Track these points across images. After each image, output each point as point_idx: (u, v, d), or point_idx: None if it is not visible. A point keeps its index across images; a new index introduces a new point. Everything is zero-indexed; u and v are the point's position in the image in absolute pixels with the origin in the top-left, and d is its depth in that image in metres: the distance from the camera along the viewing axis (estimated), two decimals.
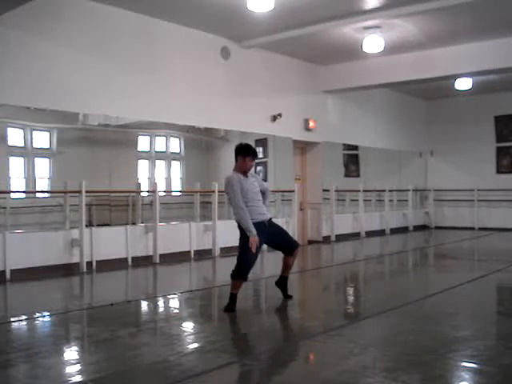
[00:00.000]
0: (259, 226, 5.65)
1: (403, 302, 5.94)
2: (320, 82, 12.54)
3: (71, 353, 4.36)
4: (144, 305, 6.24)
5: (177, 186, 10.95)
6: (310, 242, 12.43)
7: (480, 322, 5.18)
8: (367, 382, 3.53)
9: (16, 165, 8.57)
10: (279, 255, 6.00)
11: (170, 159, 10.79)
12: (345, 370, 3.78)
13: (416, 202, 16.32)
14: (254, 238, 5.54)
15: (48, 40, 7.93)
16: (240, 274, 5.66)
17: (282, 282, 6.13)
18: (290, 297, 6.12)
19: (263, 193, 5.96)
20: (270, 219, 5.90)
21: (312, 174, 12.74)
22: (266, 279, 8.04)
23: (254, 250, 5.55)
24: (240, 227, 5.70)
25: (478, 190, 15.68)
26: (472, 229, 15.66)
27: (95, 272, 8.07)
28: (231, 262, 9.37)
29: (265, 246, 10.62)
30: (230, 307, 5.58)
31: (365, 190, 13.79)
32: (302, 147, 12.82)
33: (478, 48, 10.60)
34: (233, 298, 5.64)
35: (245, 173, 5.80)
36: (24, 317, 5.46)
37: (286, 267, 6.08)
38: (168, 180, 10.71)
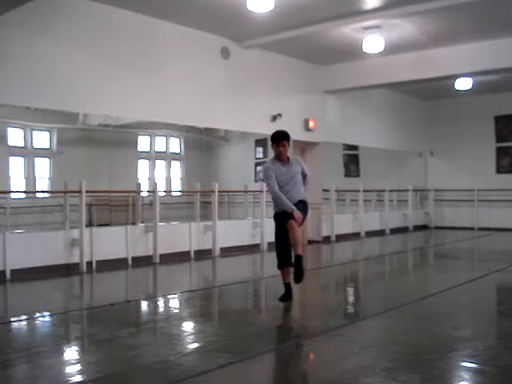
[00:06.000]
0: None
1: (403, 301, 5.93)
2: (320, 81, 12.53)
3: (71, 353, 4.36)
4: (144, 305, 6.24)
5: (177, 186, 10.97)
6: (310, 242, 12.41)
7: (480, 322, 5.18)
8: (367, 382, 3.53)
9: (16, 165, 8.59)
10: None
11: (170, 159, 10.81)
12: (345, 370, 3.78)
13: (416, 202, 16.32)
14: (296, 213, 5.55)
15: (48, 40, 7.92)
16: (279, 262, 5.82)
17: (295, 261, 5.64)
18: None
19: (304, 177, 6.05)
20: (301, 200, 5.82)
21: (312, 174, 12.70)
22: (266, 279, 8.04)
23: (299, 222, 5.55)
24: (275, 219, 5.82)
25: (478, 190, 15.66)
26: (472, 229, 15.64)
27: (95, 272, 8.07)
28: (231, 262, 9.48)
29: (265, 246, 10.67)
30: (285, 297, 5.78)
31: (365, 190, 13.79)
32: (302, 147, 12.81)
33: (478, 48, 10.60)
34: (286, 286, 5.79)
35: (281, 159, 5.79)
36: (24, 317, 5.46)
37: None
38: (168, 180, 10.72)
